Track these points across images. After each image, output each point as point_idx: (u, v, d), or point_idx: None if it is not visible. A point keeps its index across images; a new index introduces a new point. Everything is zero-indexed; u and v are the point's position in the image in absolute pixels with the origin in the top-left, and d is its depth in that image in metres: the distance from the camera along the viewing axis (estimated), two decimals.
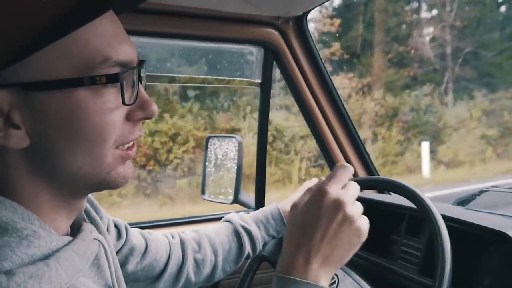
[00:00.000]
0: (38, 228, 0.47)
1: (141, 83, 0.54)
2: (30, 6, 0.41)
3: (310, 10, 1.22)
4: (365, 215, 1.20)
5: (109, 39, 0.48)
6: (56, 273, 0.45)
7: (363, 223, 0.61)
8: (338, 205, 0.59)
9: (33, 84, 0.45)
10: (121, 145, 0.53)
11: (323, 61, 1.35)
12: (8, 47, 0.42)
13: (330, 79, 1.37)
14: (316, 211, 0.60)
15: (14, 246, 0.44)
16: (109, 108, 0.49)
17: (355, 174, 1.47)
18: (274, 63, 1.33)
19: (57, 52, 0.45)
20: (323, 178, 1.12)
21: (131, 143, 0.55)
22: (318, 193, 0.61)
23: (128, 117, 0.52)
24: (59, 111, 0.46)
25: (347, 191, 0.62)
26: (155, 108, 0.54)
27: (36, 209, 0.50)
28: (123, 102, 0.50)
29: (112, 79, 0.48)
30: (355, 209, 0.61)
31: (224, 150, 1.50)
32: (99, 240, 0.57)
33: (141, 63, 0.55)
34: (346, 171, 0.65)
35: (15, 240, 0.45)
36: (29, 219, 0.47)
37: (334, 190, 0.60)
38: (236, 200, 1.42)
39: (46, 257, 0.46)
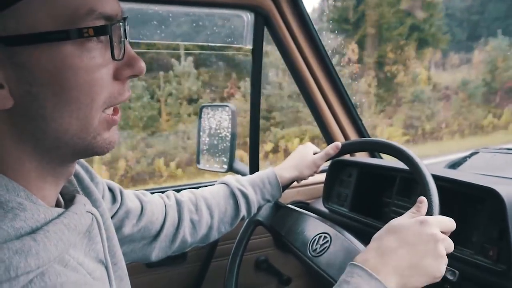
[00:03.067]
0: (24, 200, 0.46)
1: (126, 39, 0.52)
2: None
3: None
4: (358, 179, 1.23)
5: None
6: (44, 248, 0.43)
7: (444, 264, 0.68)
8: (435, 241, 0.68)
9: (16, 38, 0.42)
10: (110, 106, 0.51)
11: (314, 26, 1.33)
12: None
13: (322, 44, 1.36)
14: (415, 237, 0.68)
15: None
16: (96, 64, 0.47)
17: (347, 138, 1.49)
18: (266, 28, 1.32)
19: (40, 3, 0.43)
20: (311, 144, 1.14)
21: (116, 106, 0.53)
22: (427, 225, 0.69)
23: (116, 76, 0.50)
24: (44, 68, 0.44)
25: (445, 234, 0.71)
26: (143, 64, 0.52)
27: (22, 177, 0.48)
28: (113, 57, 0.48)
29: (100, 31, 0.46)
30: (445, 248, 0.69)
31: (217, 119, 1.50)
32: (92, 213, 0.56)
33: (124, 19, 0.52)
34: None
35: (0, 213, 0.43)
36: (14, 190, 0.46)
37: (436, 230, 0.69)
38: (230, 168, 1.44)
39: (33, 231, 0.44)
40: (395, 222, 0.73)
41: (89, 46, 0.46)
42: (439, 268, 0.67)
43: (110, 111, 0.52)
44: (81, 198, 0.57)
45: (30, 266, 0.41)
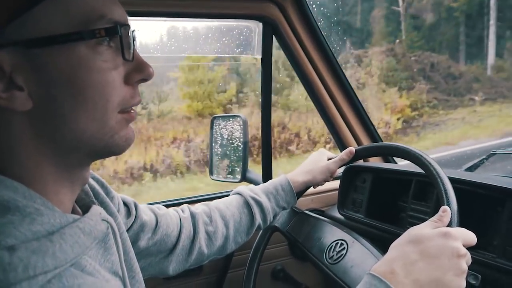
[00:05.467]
0: (40, 206, 0.47)
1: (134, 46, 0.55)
2: None
3: None
4: (373, 184, 1.21)
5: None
6: (61, 248, 0.44)
7: (464, 280, 0.66)
8: (459, 256, 0.65)
9: (34, 40, 0.45)
10: (125, 109, 0.53)
11: (323, 33, 1.34)
12: (10, 1, 0.42)
13: (331, 50, 1.36)
14: (437, 250, 0.66)
15: (17, 223, 0.43)
16: (108, 67, 0.50)
17: (359, 143, 1.47)
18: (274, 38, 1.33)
19: (55, 9, 0.46)
20: (325, 150, 1.14)
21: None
22: (451, 238, 0.67)
23: (126, 80, 0.53)
24: (61, 69, 0.47)
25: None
26: (151, 69, 0.55)
27: (40, 181, 0.50)
28: (123, 56, 0.51)
29: (111, 31, 0.49)
30: (466, 263, 0.67)
31: (229, 129, 1.50)
32: (107, 221, 0.57)
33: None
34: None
35: (18, 218, 0.44)
36: (31, 197, 0.47)
37: (459, 244, 0.67)
38: (244, 178, 1.44)
39: (50, 234, 0.45)
40: (416, 231, 0.70)
41: (101, 49, 0.49)
42: (460, 284, 0.65)
43: (127, 110, 0.54)
44: (96, 208, 0.58)
45: (47, 265, 0.42)
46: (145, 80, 0.55)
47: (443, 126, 9.54)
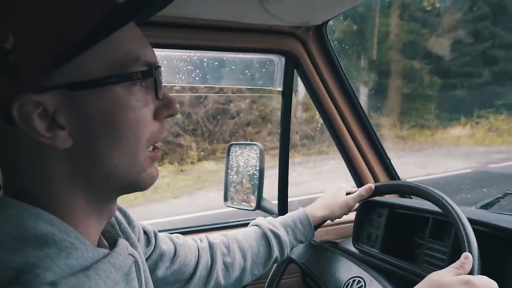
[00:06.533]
0: (74, 240, 0.48)
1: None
2: (78, 11, 0.46)
3: (330, 20, 1.24)
4: (388, 219, 1.21)
5: (138, 43, 0.53)
6: (96, 284, 0.46)
7: None
8: None
9: (77, 84, 0.48)
10: (153, 144, 0.56)
11: (343, 69, 1.37)
12: (62, 47, 0.45)
13: (351, 86, 1.39)
14: None
15: (54, 257, 0.45)
16: (140, 105, 0.53)
17: (376, 180, 1.48)
18: (295, 71, 1.36)
19: (95, 55, 0.49)
20: (343, 184, 1.15)
21: (155, 146, 0.58)
22: (473, 287, 0.68)
23: (155, 116, 0.56)
24: (99, 109, 0.49)
25: None
26: (177, 106, 0.58)
27: (72, 215, 0.51)
28: (156, 96, 0.55)
29: (146, 74, 0.52)
30: None
31: (245, 157, 1.52)
32: (133, 256, 0.59)
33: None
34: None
35: (55, 251, 0.45)
36: (65, 231, 0.48)
37: None
38: (259, 206, 1.44)
39: (84, 269, 0.47)
40: (436, 277, 0.71)
41: (134, 89, 0.52)
42: None
43: (151, 148, 0.57)
44: (123, 241, 0.60)
45: None
46: (172, 115, 0.58)
47: None
